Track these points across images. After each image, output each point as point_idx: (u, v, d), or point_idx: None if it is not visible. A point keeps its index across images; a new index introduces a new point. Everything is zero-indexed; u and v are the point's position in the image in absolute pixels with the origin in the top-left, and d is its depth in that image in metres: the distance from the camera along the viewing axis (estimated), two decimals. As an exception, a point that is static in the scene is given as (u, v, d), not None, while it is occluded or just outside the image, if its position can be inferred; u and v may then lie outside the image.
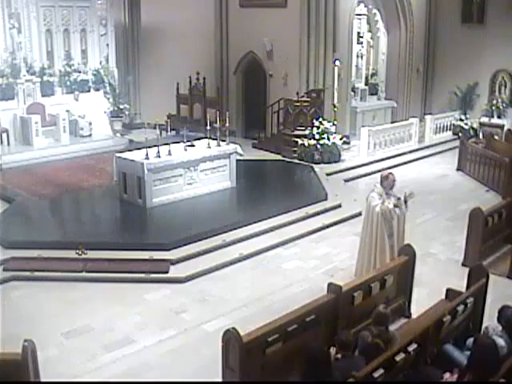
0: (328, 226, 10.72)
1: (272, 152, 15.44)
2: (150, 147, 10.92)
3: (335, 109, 15.32)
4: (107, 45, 16.75)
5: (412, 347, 5.36)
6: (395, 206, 7.79)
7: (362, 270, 8.12)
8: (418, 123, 16.95)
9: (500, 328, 5.76)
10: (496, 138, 15.52)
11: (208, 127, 11.81)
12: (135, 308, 7.73)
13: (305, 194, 12.33)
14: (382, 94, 19.31)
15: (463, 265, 8.96)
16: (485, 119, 17.97)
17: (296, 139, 14.82)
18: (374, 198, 7.89)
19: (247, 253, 9.36)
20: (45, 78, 15.19)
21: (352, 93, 17.65)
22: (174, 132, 15.78)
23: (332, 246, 9.91)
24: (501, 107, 17.80)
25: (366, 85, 18.95)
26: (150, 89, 18.41)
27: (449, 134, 18.04)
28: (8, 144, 14.38)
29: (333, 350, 5.52)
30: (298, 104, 14.98)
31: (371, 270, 7.70)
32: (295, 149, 14.78)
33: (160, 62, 18.06)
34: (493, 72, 18.11)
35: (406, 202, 7.86)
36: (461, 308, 6.14)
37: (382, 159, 15.14)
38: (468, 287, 6.65)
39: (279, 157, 15.10)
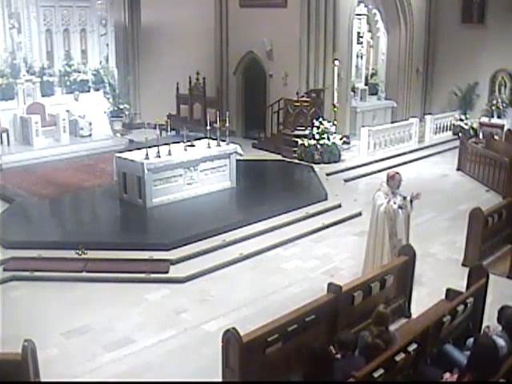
0: (328, 226, 10.71)
1: (272, 152, 15.43)
2: (150, 147, 10.90)
3: (335, 109, 15.32)
4: (107, 45, 16.75)
5: (412, 347, 5.36)
6: (399, 207, 7.79)
7: (370, 268, 8.09)
8: (418, 123, 16.94)
9: (500, 328, 5.76)
10: (496, 137, 15.51)
11: (208, 127, 11.81)
12: (135, 308, 7.73)
13: (305, 194, 12.33)
14: (382, 94, 19.30)
15: (463, 265, 8.96)
16: (485, 119, 17.95)
17: (296, 139, 14.81)
18: (379, 197, 7.88)
19: (247, 253, 9.36)
20: (45, 78, 15.20)
21: (352, 93, 17.64)
22: (174, 132, 15.76)
23: (332, 246, 9.91)
24: (501, 107, 17.79)
25: (365, 85, 18.95)
26: (149, 89, 18.40)
27: (449, 134, 18.04)
28: (8, 144, 14.39)
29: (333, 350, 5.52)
30: (297, 104, 14.97)
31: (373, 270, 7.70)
32: (295, 149, 14.78)
33: (160, 61, 18.05)
34: (493, 72, 18.10)
35: (411, 201, 7.86)
36: (461, 308, 6.15)
37: (382, 159, 15.14)
38: (468, 287, 6.65)
39: (279, 157, 15.09)
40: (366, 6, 18.43)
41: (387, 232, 7.88)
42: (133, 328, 7.24)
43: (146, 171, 10.57)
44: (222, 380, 5.56)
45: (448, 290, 6.88)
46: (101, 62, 16.56)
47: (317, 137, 14.50)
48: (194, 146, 11.71)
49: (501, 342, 5.45)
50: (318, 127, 14.58)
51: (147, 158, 10.69)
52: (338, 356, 5.34)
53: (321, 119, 14.81)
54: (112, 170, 11.70)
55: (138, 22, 18.61)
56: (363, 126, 15.78)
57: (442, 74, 19.40)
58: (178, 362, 6.54)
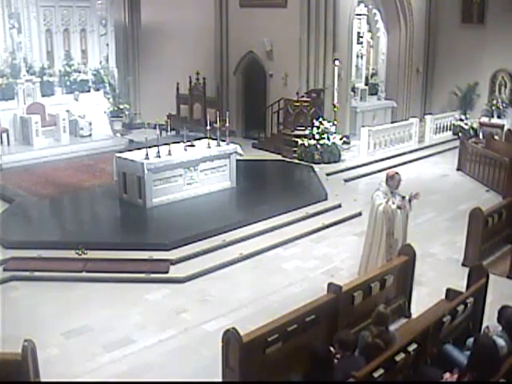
0: (328, 226, 10.71)
1: (272, 152, 15.43)
2: (150, 147, 10.90)
3: (335, 109, 15.32)
4: (107, 45, 16.75)
5: (412, 347, 5.36)
6: (398, 207, 7.79)
7: (366, 268, 8.10)
8: (418, 123, 16.94)
9: (500, 328, 5.76)
10: (496, 137, 15.52)
11: (208, 127, 11.81)
12: (135, 308, 7.73)
13: (305, 194, 12.32)
14: (382, 94, 19.31)
15: (463, 265, 8.96)
16: (485, 119, 17.95)
17: (296, 139, 14.81)
18: (378, 197, 7.88)
19: (247, 253, 9.36)
20: (45, 78, 15.20)
21: (352, 93, 17.64)
22: (174, 132, 15.78)
23: (332, 246, 9.91)
24: (501, 107, 17.80)
25: (366, 85, 18.95)
26: (149, 89, 18.40)
27: (449, 134, 18.04)
28: (8, 144, 14.38)
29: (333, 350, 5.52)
30: (297, 104, 14.97)
31: (371, 270, 7.70)
32: (295, 149, 14.77)
33: (160, 61, 18.04)
34: (493, 72, 18.10)
35: (410, 201, 7.86)
36: (461, 308, 6.15)
37: (382, 159, 15.14)
38: (468, 287, 6.65)
39: (279, 157, 15.09)
40: (366, 6, 18.42)
41: (385, 232, 7.89)
42: (133, 328, 7.24)
43: (146, 171, 10.57)
44: (222, 380, 5.56)
45: (448, 290, 6.87)
46: (101, 62, 16.56)
47: (317, 137, 14.50)
48: (194, 146, 11.71)
49: (501, 342, 5.45)
50: (318, 127, 14.58)
51: (147, 157, 10.69)
52: (338, 356, 5.34)
53: (321, 119, 14.81)
54: (112, 170, 11.69)
55: (138, 22, 18.62)
56: (363, 126, 15.78)
57: (442, 74, 19.40)
58: (178, 362, 6.54)
